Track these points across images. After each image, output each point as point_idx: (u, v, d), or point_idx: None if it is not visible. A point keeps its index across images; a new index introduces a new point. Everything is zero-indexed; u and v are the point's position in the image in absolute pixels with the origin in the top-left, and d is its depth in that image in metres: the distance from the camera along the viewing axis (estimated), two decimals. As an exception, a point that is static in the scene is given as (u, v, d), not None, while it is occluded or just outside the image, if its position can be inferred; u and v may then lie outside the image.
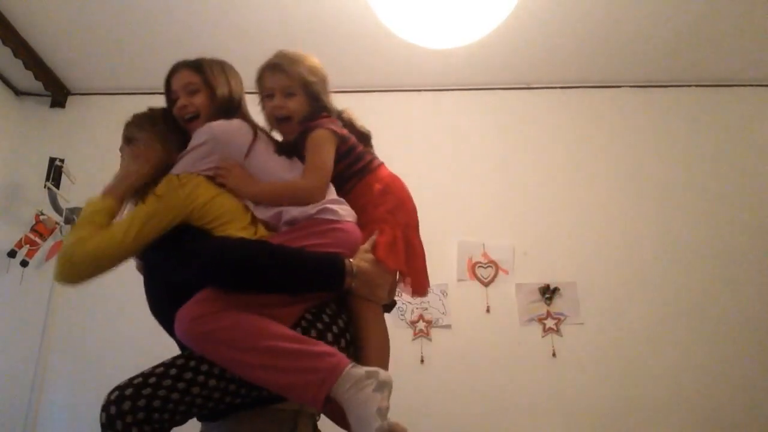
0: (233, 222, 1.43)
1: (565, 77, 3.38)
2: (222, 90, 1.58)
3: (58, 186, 3.13)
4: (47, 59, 3.23)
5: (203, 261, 1.31)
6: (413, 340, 2.94)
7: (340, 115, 1.65)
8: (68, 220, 3.17)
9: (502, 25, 2.62)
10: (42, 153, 3.23)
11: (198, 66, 1.60)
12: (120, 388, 1.30)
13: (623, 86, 3.43)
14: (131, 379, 1.30)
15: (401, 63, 3.21)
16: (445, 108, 3.42)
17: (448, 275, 3.04)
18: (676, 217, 3.17)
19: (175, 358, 1.34)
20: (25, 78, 3.27)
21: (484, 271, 3.07)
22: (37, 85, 3.35)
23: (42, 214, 3.09)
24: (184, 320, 1.30)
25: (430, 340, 2.94)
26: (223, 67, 1.64)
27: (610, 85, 3.42)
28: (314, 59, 1.64)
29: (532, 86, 3.44)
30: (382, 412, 1.20)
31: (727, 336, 2.94)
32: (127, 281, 3.15)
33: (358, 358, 1.39)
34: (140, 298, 3.04)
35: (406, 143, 3.29)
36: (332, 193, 1.54)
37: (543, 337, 2.95)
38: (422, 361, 2.91)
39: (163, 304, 1.45)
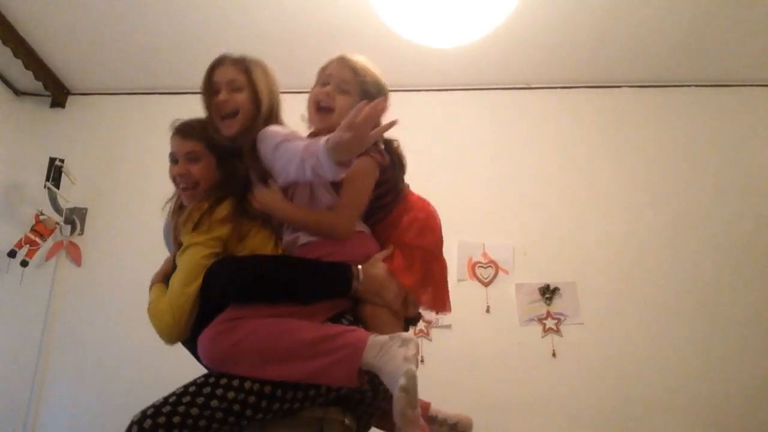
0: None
1: (565, 77, 3.38)
2: (264, 94, 1.56)
3: (58, 186, 3.13)
4: (47, 59, 3.23)
5: (218, 278, 1.37)
6: (413, 340, 2.94)
7: (387, 144, 1.61)
8: (68, 220, 3.17)
9: (502, 25, 2.62)
10: (42, 153, 3.23)
11: (244, 64, 1.58)
12: (142, 410, 1.34)
13: (623, 86, 3.43)
14: (154, 402, 1.34)
15: (401, 63, 3.20)
16: (445, 108, 3.42)
17: (448, 275, 3.03)
18: (676, 217, 3.16)
19: (195, 378, 1.37)
20: (25, 78, 3.28)
21: (484, 271, 3.07)
22: (37, 85, 3.35)
23: (42, 214, 3.09)
24: (204, 343, 1.34)
25: (431, 340, 2.94)
26: (265, 70, 1.62)
27: (610, 85, 3.42)
28: (381, 76, 1.59)
29: (531, 86, 3.44)
30: (409, 359, 1.23)
31: (727, 335, 2.94)
32: (126, 281, 3.17)
33: None
34: (139, 299, 3.03)
35: (406, 143, 3.27)
36: (358, 225, 1.53)
37: (543, 337, 2.95)
38: (422, 361, 2.90)
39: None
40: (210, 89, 1.57)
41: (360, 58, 1.57)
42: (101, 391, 2.90)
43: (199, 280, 1.38)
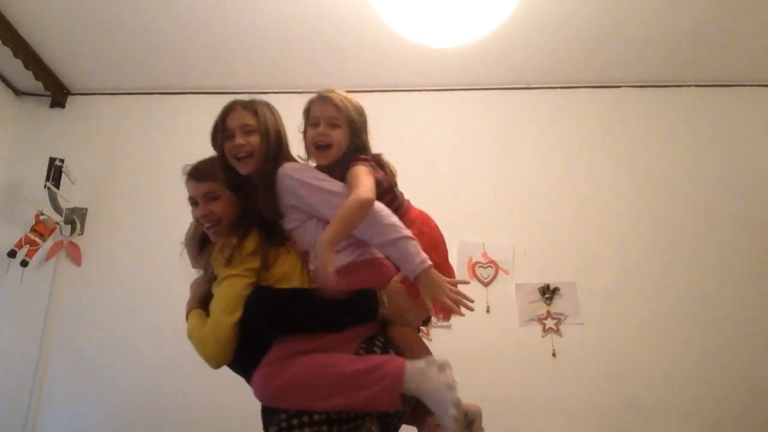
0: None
1: (565, 77, 3.38)
2: (273, 133, 1.67)
3: (58, 186, 3.13)
4: (47, 59, 3.23)
5: (256, 312, 1.49)
6: (413, 340, 2.94)
7: (374, 157, 1.73)
8: (68, 220, 3.17)
9: (502, 25, 2.62)
10: (42, 153, 3.23)
11: (253, 107, 1.70)
12: None
13: (623, 86, 3.43)
14: None
15: (401, 63, 3.21)
16: (445, 108, 3.42)
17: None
18: (676, 217, 3.17)
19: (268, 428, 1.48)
20: (25, 78, 3.28)
21: (484, 271, 3.07)
22: (37, 85, 3.35)
23: (42, 214, 3.09)
24: (258, 382, 1.47)
25: (431, 340, 2.93)
26: (272, 110, 1.73)
27: (610, 85, 3.42)
28: (359, 101, 1.74)
29: (531, 86, 3.44)
30: (452, 386, 1.35)
31: (727, 335, 2.94)
32: (126, 281, 3.17)
33: None
34: (139, 299, 3.04)
35: (406, 143, 3.29)
36: (373, 252, 1.63)
37: (543, 337, 2.96)
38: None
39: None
40: (224, 133, 1.68)
41: (336, 92, 1.70)
42: (101, 390, 2.90)
43: (240, 310, 1.48)
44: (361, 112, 1.71)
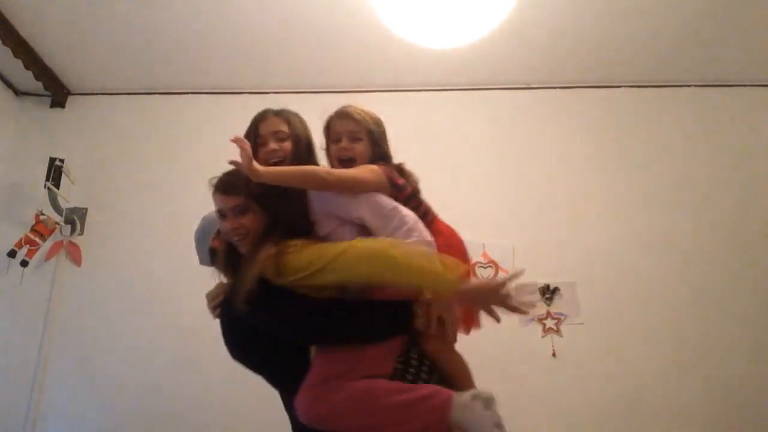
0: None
1: (565, 77, 3.38)
2: (303, 140, 1.74)
3: (58, 186, 3.13)
4: (47, 59, 3.23)
5: (292, 326, 1.53)
6: (413, 340, 2.94)
7: (397, 166, 1.78)
8: (68, 220, 3.17)
9: (502, 25, 2.62)
10: (42, 153, 3.23)
11: (284, 115, 1.76)
12: None
13: (623, 86, 3.43)
14: None
15: (401, 63, 3.21)
16: (445, 108, 3.42)
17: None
18: (676, 217, 3.17)
19: None
20: (25, 78, 3.28)
21: (484, 271, 3.07)
22: (37, 85, 3.35)
23: (42, 214, 3.09)
24: (303, 408, 1.46)
25: (430, 340, 2.94)
26: (300, 119, 1.79)
27: (610, 85, 3.42)
28: (376, 113, 1.81)
29: (531, 86, 3.44)
30: (500, 425, 1.39)
31: (727, 335, 2.94)
32: (126, 281, 3.17)
33: (448, 384, 1.54)
34: (139, 299, 3.03)
35: (406, 143, 3.26)
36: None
37: (543, 337, 2.95)
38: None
39: (260, 354, 1.61)
40: (255, 140, 1.72)
41: (353, 107, 1.77)
42: (101, 390, 2.90)
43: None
44: (379, 123, 1.79)
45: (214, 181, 1.71)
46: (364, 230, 1.59)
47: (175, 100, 3.47)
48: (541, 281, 3.04)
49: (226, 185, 1.67)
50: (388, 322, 1.53)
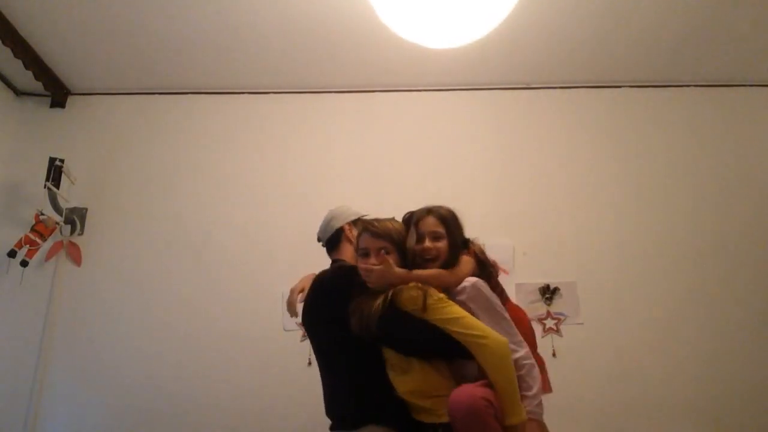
0: None
1: (565, 77, 3.38)
2: (458, 242, 1.93)
3: (58, 186, 3.13)
4: (47, 59, 3.23)
5: (418, 345, 1.76)
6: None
7: (479, 247, 2.01)
8: (68, 220, 3.17)
9: (502, 25, 2.61)
10: (42, 153, 3.23)
11: (443, 219, 1.94)
12: None
13: (623, 86, 3.43)
14: None
15: (401, 63, 3.21)
16: (445, 108, 3.42)
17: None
18: (676, 217, 3.17)
19: None
20: (25, 78, 3.28)
21: (484, 271, 3.07)
22: (37, 85, 3.35)
23: (42, 214, 3.09)
24: (464, 404, 1.58)
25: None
26: (456, 219, 1.98)
27: (610, 85, 3.42)
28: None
29: (531, 86, 3.44)
30: None
31: (727, 335, 2.94)
32: (126, 281, 3.16)
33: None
34: (139, 299, 3.03)
35: (406, 143, 3.29)
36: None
37: (543, 337, 2.95)
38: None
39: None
40: (413, 234, 1.92)
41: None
42: (101, 390, 2.90)
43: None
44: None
45: (366, 222, 1.93)
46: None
47: (175, 100, 3.47)
48: (541, 281, 3.05)
49: (379, 230, 1.89)
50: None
